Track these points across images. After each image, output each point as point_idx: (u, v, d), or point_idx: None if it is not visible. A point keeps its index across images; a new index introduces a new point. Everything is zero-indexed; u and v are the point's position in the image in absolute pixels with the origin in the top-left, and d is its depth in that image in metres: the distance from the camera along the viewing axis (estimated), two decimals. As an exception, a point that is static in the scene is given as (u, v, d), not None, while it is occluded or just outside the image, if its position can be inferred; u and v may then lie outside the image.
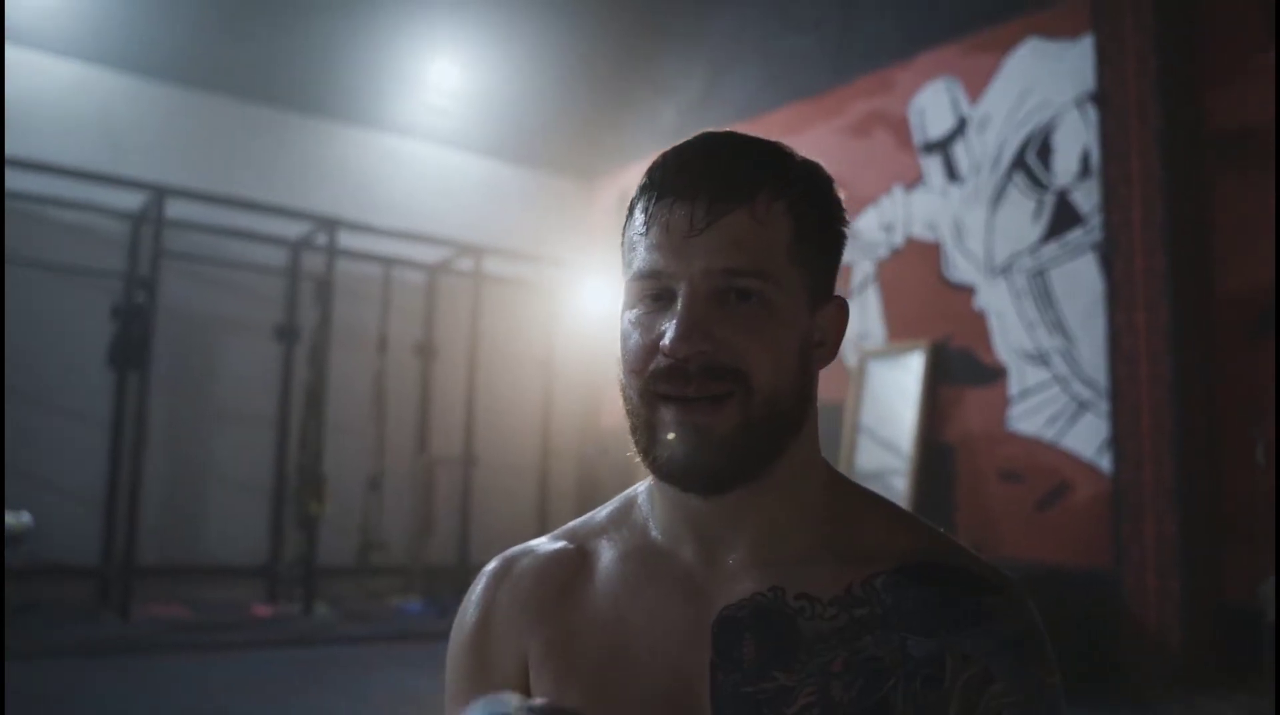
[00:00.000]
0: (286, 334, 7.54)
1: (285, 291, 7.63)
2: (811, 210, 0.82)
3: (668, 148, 0.85)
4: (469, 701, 0.86)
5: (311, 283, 7.55)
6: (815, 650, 0.78)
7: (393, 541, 7.79)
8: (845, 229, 0.86)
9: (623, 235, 0.86)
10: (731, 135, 0.83)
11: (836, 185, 0.86)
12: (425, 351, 8.27)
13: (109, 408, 6.79)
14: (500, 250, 8.34)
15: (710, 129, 0.86)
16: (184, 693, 4.80)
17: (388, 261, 8.05)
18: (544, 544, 0.95)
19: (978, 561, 0.83)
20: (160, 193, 6.70)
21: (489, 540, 8.08)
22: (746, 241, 0.77)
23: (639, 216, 0.81)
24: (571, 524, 0.96)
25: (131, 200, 6.86)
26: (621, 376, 0.83)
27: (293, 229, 7.51)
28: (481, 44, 8.36)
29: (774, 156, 0.82)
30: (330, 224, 7.36)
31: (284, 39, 7.55)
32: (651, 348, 0.79)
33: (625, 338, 0.82)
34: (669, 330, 0.76)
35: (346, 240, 7.60)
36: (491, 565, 0.96)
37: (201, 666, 5.36)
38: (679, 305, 0.77)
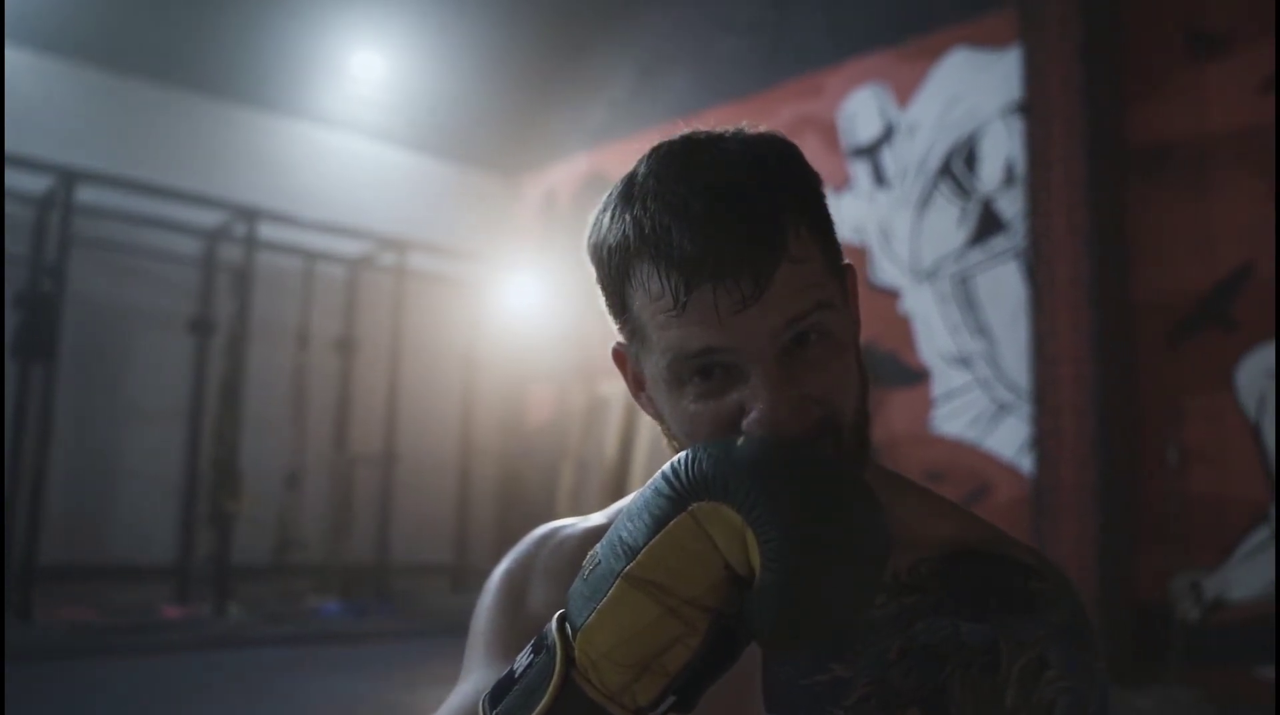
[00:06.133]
0: (201, 326, 7.31)
1: (200, 283, 7.40)
2: (820, 209, 0.76)
3: (641, 174, 0.75)
4: (497, 657, 0.83)
5: (228, 274, 7.34)
6: (869, 639, 0.77)
7: (310, 540, 7.61)
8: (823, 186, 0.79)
9: (611, 288, 0.77)
10: (720, 162, 0.74)
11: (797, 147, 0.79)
12: (346, 347, 8.10)
13: (11, 400, 6.48)
14: (424, 245, 8.22)
15: (669, 137, 0.77)
16: (90, 700, 4.61)
17: (308, 254, 7.87)
18: (588, 519, 0.93)
19: (1022, 547, 0.82)
20: (69, 176, 6.45)
21: (409, 539, 7.96)
22: (795, 288, 0.71)
23: (665, 297, 0.71)
24: (611, 507, 0.93)
25: (37, 184, 6.57)
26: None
27: (209, 218, 7.29)
28: (406, 35, 8.23)
29: (776, 176, 0.74)
30: (249, 214, 7.17)
31: (202, 20, 7.32)
32: (730, 426, 0.72)
33: (690, 419, 0.74)
34: (756, 408, 0.70)
35: (266, 232, 7.39)
36: (533, 532, 0.93)
37: (109, 672, 5.16)
38: (755, 379, 0.70)
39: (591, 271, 0.80)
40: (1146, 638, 4.71)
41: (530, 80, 8.89)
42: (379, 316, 8.14)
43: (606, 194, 0.79)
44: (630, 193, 0.75)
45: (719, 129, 0.78)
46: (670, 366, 0.73)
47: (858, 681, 0.76)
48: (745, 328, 0.70)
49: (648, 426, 7.32)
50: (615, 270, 0.75)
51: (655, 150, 0.77)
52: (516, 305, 8.68)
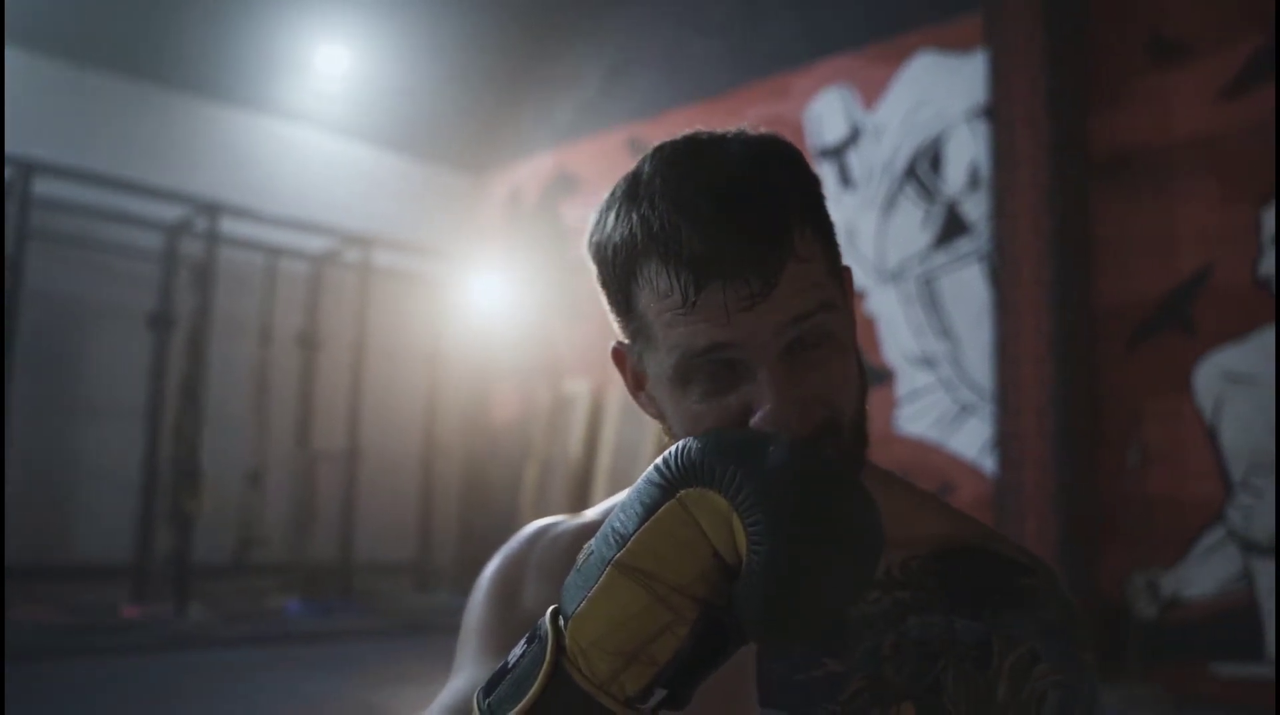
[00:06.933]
0: (161, 322, 7.21)
1: (161, 278, 7.29)
2: (821, 210, 0.78)
3: (642, 174, 0.76)
4: (490, 653, 0.83)
5: (189, 270, 7.24)
6: (863, 634, 0.78)
7: (273, 538, 7.54)
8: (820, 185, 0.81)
9: (615, 287, 0.77)
10: (726, 163, 0.74)
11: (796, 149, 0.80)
12: (309, 343, 8.03)
13: (-36, 396, 6.37)
14: (388, 242, 8.17)
15: (673, 138, 0.78)
16: (50, 702, 4.53)
17: (271, 250, 7.79)
18: (581, 515, 0.92)
19: (1010, 543, 0.84)
20: (27, 168, 6.33)
21: (373, 537, 7.90)
22: (800, 287, 0.72)
23: (674, 295, 0.72)
24: (604, 504, 0.93)
25: (-6, 176, 6.46)
26: None
27: (170, 213, 7.18)
28: (372, 30, 8.16)
29: (781, 177, 0.75)
30: (211, 209, 7.08)
31: (165, 13, 7.21)
32: (735, 425, 0.72)
33: (694, 418, 0.74)
34: (762, 408, 0.71)
35: (228, 227, 7.31)
36: (524, 530, 0.93)
37: (68, 673, 5.08)
38: (761, 377, 0.71)
39: (592, 269, 0.80)
40: (1108, 636, 4.79)
41: (498, 77, 8.86)
42: (343, 313, 8.08)
43: (609, 193, 0.79)
44: (636, 192, 0.76)
45: (720, 130, 0.79)
46: (676, 365, 0.73)
47: (852, 676, 0.77)
48: (752, 325, 0.71)
49: (613, 425, 7.32)
50: (620, 268, 0.76)
51: (659, 150, 0.78)
52: (481, 303, 8.65)
